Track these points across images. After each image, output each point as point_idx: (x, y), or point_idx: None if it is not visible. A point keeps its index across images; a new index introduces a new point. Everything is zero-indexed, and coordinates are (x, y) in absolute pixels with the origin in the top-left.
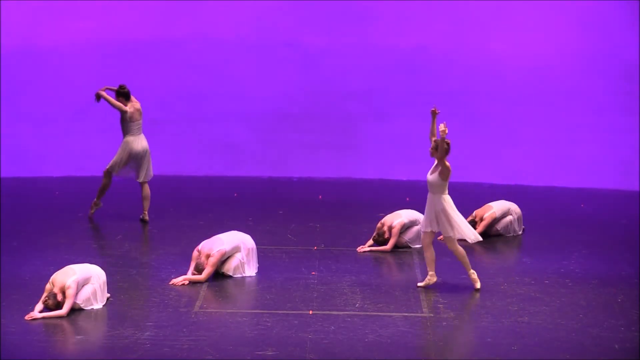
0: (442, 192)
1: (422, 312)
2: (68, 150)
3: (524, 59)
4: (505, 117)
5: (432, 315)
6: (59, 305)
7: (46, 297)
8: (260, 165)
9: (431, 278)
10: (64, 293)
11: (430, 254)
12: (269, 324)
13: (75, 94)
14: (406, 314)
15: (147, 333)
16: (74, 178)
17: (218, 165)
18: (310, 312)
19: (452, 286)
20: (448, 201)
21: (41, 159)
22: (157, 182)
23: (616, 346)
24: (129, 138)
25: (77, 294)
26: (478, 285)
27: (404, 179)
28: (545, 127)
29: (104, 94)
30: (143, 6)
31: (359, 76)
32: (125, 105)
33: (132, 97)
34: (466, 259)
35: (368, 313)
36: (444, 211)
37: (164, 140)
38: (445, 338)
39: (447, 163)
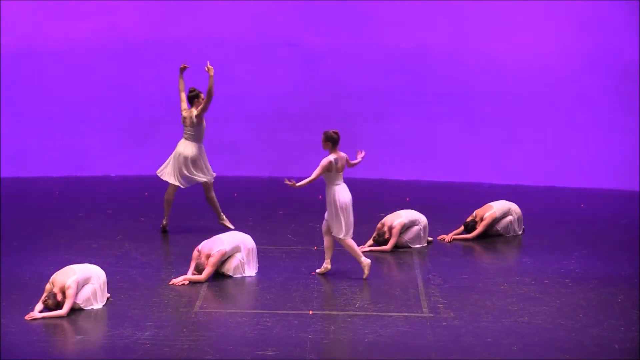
0: (330, 183)
1: (422, 312)
2: (68, 150)
3: (525, 59)
4: (505, 117)
5: (432, 315)
6: (58, 305)
7: (46, 297)
8: (260, 165)
9: (326, 266)
10: (64, 293)
11: (327, 242)
12: (269, 324)
13: (75, 94)
14: (406, 314)
15: (147, 333)
16: (74, 178)
17: (218, 165)
18: (310, 312)
19: (452, 286)
20: (335, 192)
21: (41, 159)
22: (158, 182)
23: (616, 346)
24: (179, 142)
25: (77, 294)
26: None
27: (404, 179)
28: (545, 127)
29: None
30: (143, 6)
31: (359, 76)
32: (187, 109)
33: (195, 104)
34: (355, 250)
35: (368, 313)
36: (327, 201)
37: (165, 140)
38: (445, 338)
39: (324, 162)
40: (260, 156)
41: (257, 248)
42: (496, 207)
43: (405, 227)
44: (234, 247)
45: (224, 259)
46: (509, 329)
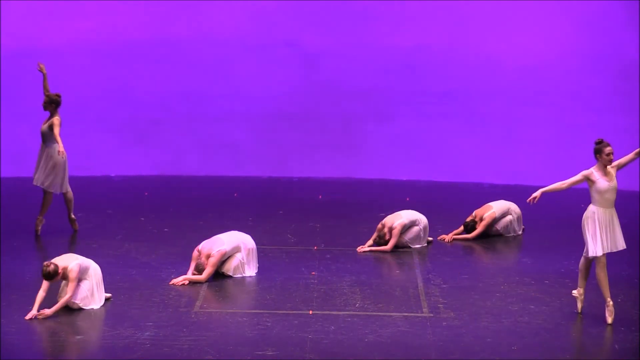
0: (54, 142)
1: (422, 312)
2: (68, 150)
3: (524, 58)
4: (505, 117)
5: (432, 315)
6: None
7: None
8: (260, 165)
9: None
10: (65, 277)
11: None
12: (269, 324)
13: (75, 94)
14: (406, 314)
15: (147, 333)
16: (74, 178)
17: (218, 165)
18: (310, 312)
19: (452, 286)
20: (55, 149)
21: None
22: (158, 182)
23: (616, 346)
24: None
25: (79, 278)
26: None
27: (404, 179)
28: (545, 127)
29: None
30: (143, 6)
31: (359, 76)
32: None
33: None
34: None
35: (368, 313)
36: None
37: (164, 140)
38: (445, 338)
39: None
40: (260, 156)
41: (257, 248)
42: (495, 207)
43: (406, 228)
44: (234, 247)
45: (224, 259)
46: (509, 329)
